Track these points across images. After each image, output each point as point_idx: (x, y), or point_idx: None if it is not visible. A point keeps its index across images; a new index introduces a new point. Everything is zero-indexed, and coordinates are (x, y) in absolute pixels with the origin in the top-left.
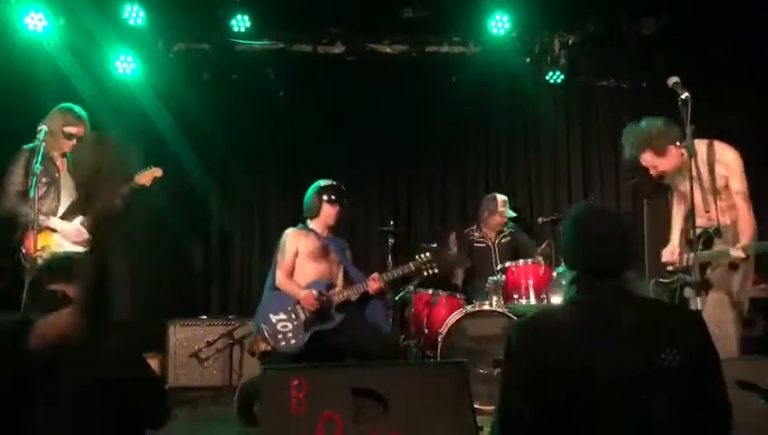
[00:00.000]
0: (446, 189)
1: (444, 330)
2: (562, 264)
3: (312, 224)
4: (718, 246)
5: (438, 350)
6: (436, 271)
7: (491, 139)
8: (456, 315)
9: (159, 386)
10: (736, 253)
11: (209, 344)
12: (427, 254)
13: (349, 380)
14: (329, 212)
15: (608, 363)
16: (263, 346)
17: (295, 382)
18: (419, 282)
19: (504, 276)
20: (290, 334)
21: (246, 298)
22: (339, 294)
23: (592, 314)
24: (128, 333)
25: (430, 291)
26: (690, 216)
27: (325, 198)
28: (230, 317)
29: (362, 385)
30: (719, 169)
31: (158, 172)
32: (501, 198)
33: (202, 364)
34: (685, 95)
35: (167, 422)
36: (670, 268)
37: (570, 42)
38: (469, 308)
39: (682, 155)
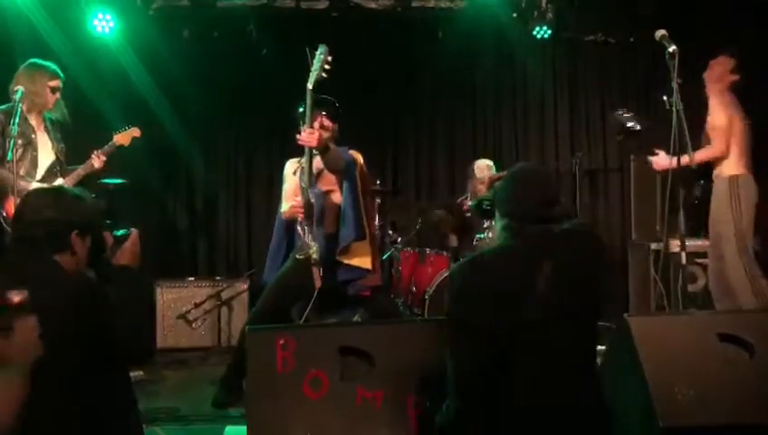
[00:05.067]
0: (433, 146)
1: (431, 288)
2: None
3: None
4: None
5: (426, 307)
6: None
7: (477, 94)
8: (443, 273)
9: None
10: None
11: (197, 306)
12: None
13: (335, 338)
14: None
15: (540, 292)
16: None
17: (281, 342)
18: (407, 240)
19: (490, 234)
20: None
21: (234, 258)
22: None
23: (523, 253)
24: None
25: (418, 249)
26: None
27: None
28: (217, 278)
29: (349, 343)
30: None
31: (136, 132)
32: (478, 164)
33: (190, 326)
34: (672, 48)
35: (149, 359)
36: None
37: None
38: None
39: None
